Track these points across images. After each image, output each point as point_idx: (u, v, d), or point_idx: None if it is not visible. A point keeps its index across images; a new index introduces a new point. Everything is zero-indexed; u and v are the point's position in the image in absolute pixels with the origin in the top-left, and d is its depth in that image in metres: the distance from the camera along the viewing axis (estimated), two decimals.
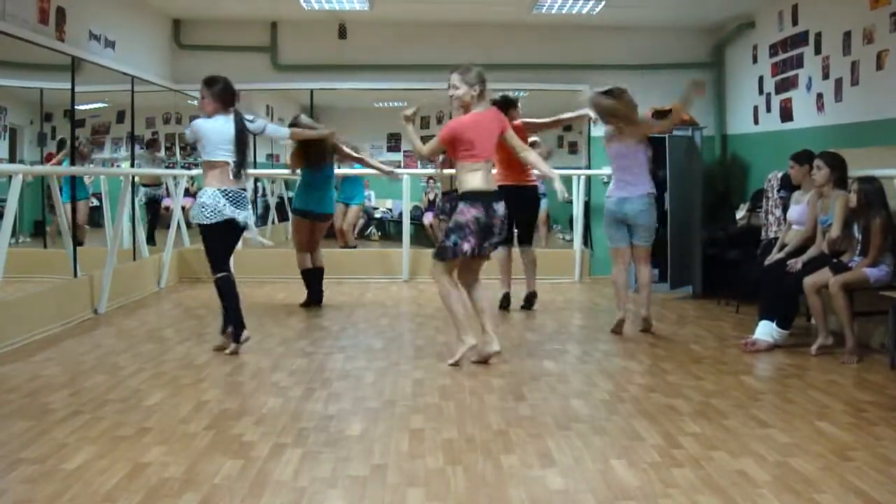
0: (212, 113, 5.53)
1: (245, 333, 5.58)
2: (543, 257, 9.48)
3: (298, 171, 7.51)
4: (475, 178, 5.27)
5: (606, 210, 6.37)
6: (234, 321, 5.55)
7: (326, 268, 7.78)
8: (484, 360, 5.31)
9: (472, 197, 5.26)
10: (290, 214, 11.45)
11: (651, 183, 6.31)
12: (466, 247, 5.21)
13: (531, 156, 5.65)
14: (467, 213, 5.22)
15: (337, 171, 8.04)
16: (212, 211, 5.40)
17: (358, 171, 9.86)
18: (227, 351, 5.52)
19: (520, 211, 7.06)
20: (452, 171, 8.45)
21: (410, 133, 5.71)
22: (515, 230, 7.32)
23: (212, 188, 5.43)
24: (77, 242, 7.08)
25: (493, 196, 5.29)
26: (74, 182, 7.29)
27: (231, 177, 5.46)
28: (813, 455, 3.58)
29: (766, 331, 5.73)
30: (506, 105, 6.88)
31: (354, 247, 10.44)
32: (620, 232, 6.31)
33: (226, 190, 5.43)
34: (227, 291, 5.53)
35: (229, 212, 5.42)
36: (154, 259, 8.52)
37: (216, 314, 6.03)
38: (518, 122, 7.15)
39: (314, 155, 7.32)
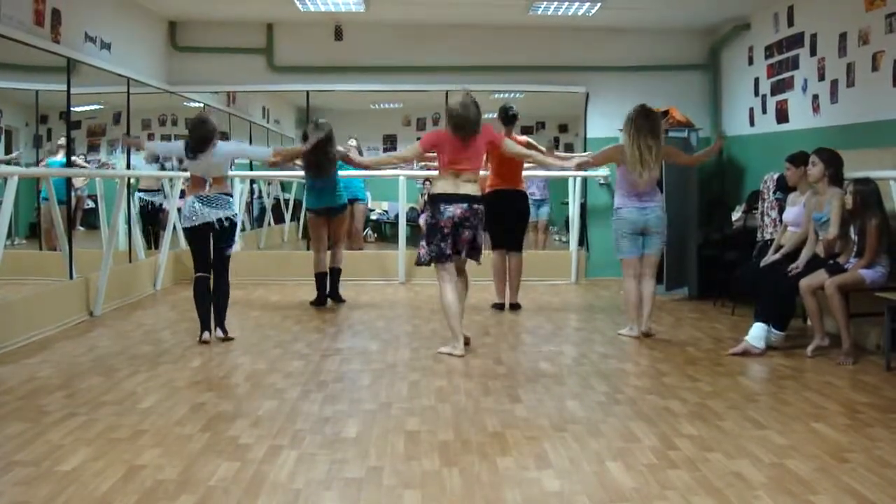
0: None
1: (206, 335, 5.91)
2: (540, 259, 9.52)
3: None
4: (440, 184, 5.68)
5: (623, 221, 6.19)
6: (199, 319, 5.98)
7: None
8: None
9: (431, 200, 5.67)
10: (286, 217, 11.53)
11: (661, 196, 6.37)
12: (423, 252, 5.67)
13: (537, 157, 6.37)
14: (424, 217, 5.74)
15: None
16: (188, 217, 5.92)
17: (355, 172, 9.84)
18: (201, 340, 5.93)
19: (509, 215, 7.37)
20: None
21: (377, 158, 6.47)
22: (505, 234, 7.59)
23: (191, 196, 5.93)
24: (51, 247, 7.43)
25: (447, 198, 5.57)
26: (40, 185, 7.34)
27: (207, 187, 5.91)
28: (809, 456, 3.58)
29: (758, 334, 5.68)
30: (504, 119, 7.40)
31: (361, 248, 10.41)
32: (636, 243, 6.26)
33: (201, 196, 5.88)
34: (194, 292, 5.98)
35: (205, 215, 5.85)
36: (150, 261, 8.51)
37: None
38: (523, 138, 7.52)
39: (314, 167, 7.50)
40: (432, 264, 5.69)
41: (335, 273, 7.89)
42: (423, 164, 10.00)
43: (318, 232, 7.82)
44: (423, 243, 5.67)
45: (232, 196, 6.09)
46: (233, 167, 6.13)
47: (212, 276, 6.00)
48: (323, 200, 7.67)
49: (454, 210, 5.55)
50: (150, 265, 8.51)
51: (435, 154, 5.81)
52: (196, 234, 5.94)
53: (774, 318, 5.73)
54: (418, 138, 6.13)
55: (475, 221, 5.62)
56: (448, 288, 5.63)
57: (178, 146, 6.08)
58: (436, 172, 5.96)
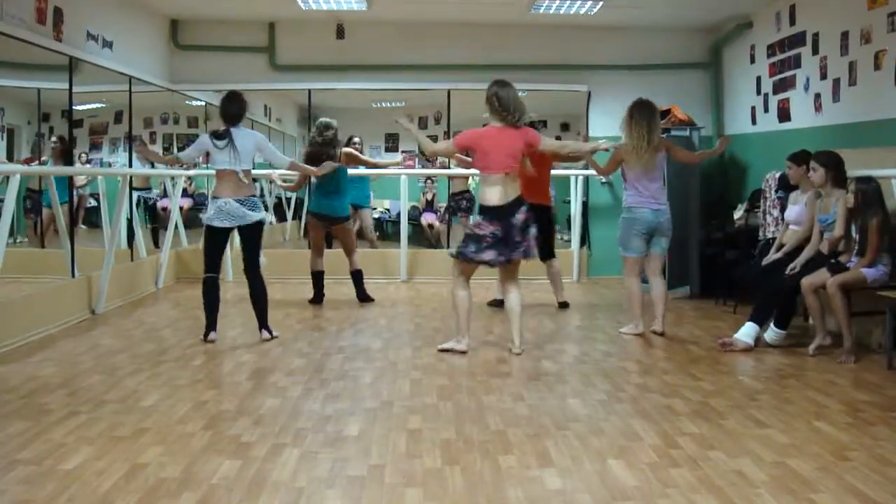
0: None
1: (212, 335, 5.92)
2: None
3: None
4: (493, 193, 5.49)
5: (638, 220, 6.19)
6: (206, 319, 5.99)
7: (326, 268, 7.83)
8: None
9: (489, 212, 5.49)
10: (289, 216, 11.52)
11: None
12: (487, 256, 5.47)
13: (569, 147, 6.45)
14: (485, 228, 5.49)
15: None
16: (214, 216, 5.81)
17: (364, 171, 9.83)
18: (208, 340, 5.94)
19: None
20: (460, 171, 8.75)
21: (417, 133, 6.01)
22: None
23: (225, 198, 5.81)
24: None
25: (509, 208, 5.47)
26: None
27: (239, 180, 5.85)
28: (810, 455, 3.58)
29: (748, 332, 5.71)
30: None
31: (376, 247, 10.40)
32: (644, 243, 6.26)
33: (238, 199, 5.81)
34: (203, 292, 5.98)
35: (238, 218, 5.80)
36: (151, 259, 8.51)
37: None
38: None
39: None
40: (459, 259, 5.59)
41: (357, 276, 7.89)
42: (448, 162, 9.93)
43: (316, 235, 7.83)
44: (470, 244, 5.51)
45: (256, 196, 6.01)
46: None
47: (238, 277, 6.08)
48: (324, 206, 7.64)
49: (519, 217, 5.46)
50: (152, 263, 8.51)
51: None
52: (217, 233, 5.86)
53: (776, 317, 5.75)
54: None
55: (531, 220, 5.53)
56: (461, 283, 5.64)
57: (203, 140, 5.93)
58: (455, 171, 5.85)
